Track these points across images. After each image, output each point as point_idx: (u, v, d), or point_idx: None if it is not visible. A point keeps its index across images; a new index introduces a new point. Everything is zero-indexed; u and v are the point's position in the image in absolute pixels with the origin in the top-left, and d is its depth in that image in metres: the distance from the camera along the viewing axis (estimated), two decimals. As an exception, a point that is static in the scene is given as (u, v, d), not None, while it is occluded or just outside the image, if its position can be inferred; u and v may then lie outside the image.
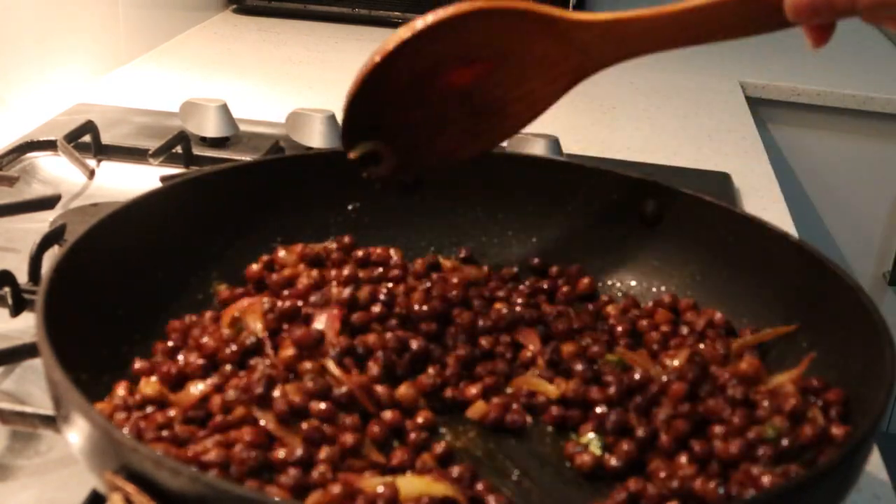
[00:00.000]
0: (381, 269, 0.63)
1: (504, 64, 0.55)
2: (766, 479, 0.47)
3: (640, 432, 0.51)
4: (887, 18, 0.49)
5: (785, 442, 0.50)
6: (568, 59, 0.55)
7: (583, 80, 0.56)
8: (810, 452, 0.50)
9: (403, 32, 0.53)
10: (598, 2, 1.80)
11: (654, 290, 0.66)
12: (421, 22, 0.53)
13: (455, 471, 0.48)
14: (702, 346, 0.58)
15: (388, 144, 0.58)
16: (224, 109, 0.98)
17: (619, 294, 0.66)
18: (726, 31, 0.53)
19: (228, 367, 0.53)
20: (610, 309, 0.63)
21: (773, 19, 0.50)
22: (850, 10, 0.49)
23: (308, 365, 0.53)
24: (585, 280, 0.66)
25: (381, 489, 0.45)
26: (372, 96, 0.55)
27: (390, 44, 0.53)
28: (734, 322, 0.62)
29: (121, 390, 0.51)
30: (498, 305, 0.61)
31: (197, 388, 0.51)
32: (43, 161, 0.92)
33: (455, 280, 0.62)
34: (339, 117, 0.57)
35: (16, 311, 0.65)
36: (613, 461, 0.51)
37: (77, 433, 0.43)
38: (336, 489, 0.45)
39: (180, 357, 0.54)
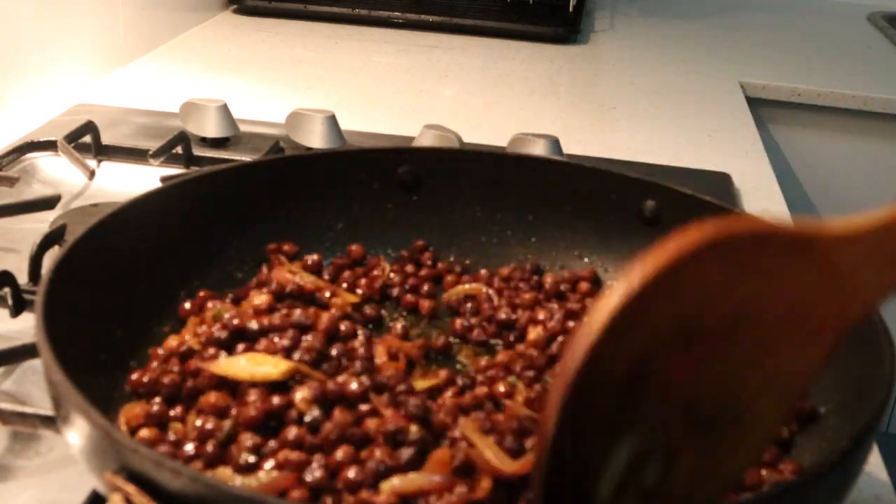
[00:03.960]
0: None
1: (736, 334, 0.35)
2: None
3: None
4: None
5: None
6: (828, 301, 0.35)
7: (845, 336, 0.36)
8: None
9: (606, 312, 0.33)
10: (600, 3, 1.80)
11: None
12: (626, 286, 0.33)
13: None
14: None
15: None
16: (224, 109, 0.98)
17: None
18: None
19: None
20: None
21: None
22: None
23: None
24: (584, 282, 0.66)
25: None
26: (574, 425, 0.34)
27: (589, 340, 0.33)
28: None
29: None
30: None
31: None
32: (43, 161, 0.92)
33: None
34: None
35: (16, 311, 0.65)
36: None
37: (77, 434, 0.43)
38: None
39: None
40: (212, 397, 0.51)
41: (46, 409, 0.52)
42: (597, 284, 0.67)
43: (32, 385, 0.61)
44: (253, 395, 0.50)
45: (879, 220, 0.35)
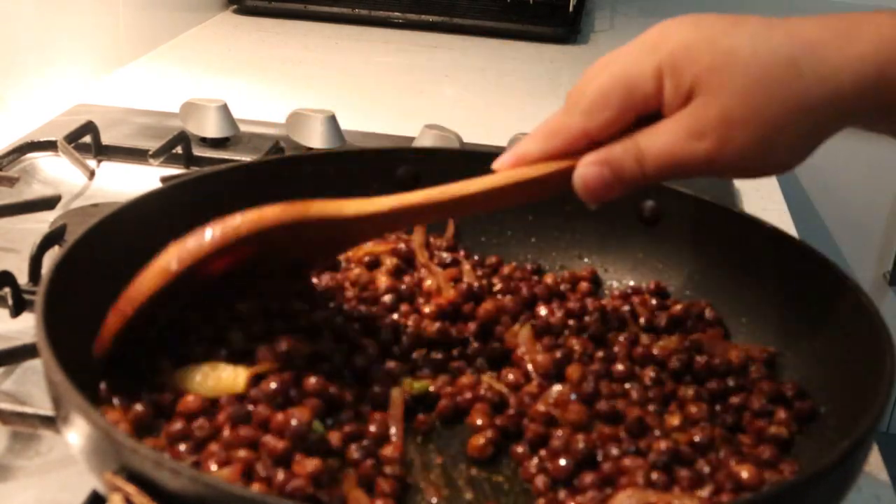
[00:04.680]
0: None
1: (289, 247, 0.56)
2: (745, 474, 0.48)
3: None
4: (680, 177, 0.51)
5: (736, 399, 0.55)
6: (344, 240, 0.59)
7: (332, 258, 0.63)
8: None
9: (165, 269, 0.52)
10: (600, 3, 1.80)
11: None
12: (186, 255, 0.52)
13: None
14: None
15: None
16: (224, 110, 0.98)
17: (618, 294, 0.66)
18: (516, 201, 0.56)
19: None
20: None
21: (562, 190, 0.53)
22: (641, 178, 0.50)
23: None
24: (585, 281, 0.66)
25: None
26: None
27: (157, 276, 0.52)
28: (734, 321, 0.62)
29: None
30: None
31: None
32: (43, 161, 0.92)
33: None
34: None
35: (16, 311, 0.65)
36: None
37: (77, 434, 0.43)
38: None
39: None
40: (189, 399, 0.50)
41: (46, 409, 0.52)
42: (597, 284, 0.67)
43: (32, 385, 0.61)
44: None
45: (386, 209, 0.55)
